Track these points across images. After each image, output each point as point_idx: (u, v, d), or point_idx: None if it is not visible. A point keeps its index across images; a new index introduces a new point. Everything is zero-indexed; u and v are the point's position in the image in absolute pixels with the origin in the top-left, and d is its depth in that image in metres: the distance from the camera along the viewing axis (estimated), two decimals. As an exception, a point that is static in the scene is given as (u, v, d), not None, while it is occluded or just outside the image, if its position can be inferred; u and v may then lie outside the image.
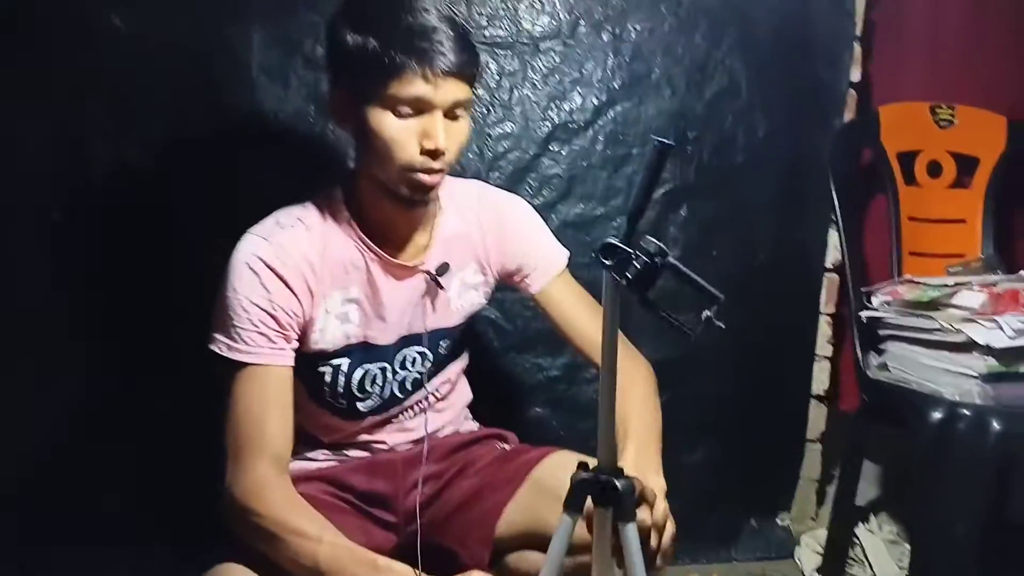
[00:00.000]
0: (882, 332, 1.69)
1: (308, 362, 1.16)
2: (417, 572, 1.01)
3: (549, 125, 1.69)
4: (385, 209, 1.15)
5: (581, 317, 1.27)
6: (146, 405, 1.53)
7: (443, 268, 1.20)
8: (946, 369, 1.51)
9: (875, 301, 1.70)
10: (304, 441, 1.22)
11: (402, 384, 1.24)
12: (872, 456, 1.83)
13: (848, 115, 1.84)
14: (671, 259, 0.76)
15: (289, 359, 1.12)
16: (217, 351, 1.09)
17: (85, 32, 1.48)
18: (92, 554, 1.50)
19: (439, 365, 1.28)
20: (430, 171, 1.08)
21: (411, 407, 1.28)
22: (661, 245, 0.75)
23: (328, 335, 1.16)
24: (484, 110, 1.66)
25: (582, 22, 1.68)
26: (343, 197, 1.17)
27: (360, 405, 1.22)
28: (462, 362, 1.35)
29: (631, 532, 0.86)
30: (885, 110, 1.82)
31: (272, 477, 1.06)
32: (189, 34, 1.51)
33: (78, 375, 1.54)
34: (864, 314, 1.70)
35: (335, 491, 1.22)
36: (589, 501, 0.88)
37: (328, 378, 1.18)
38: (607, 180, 1.73)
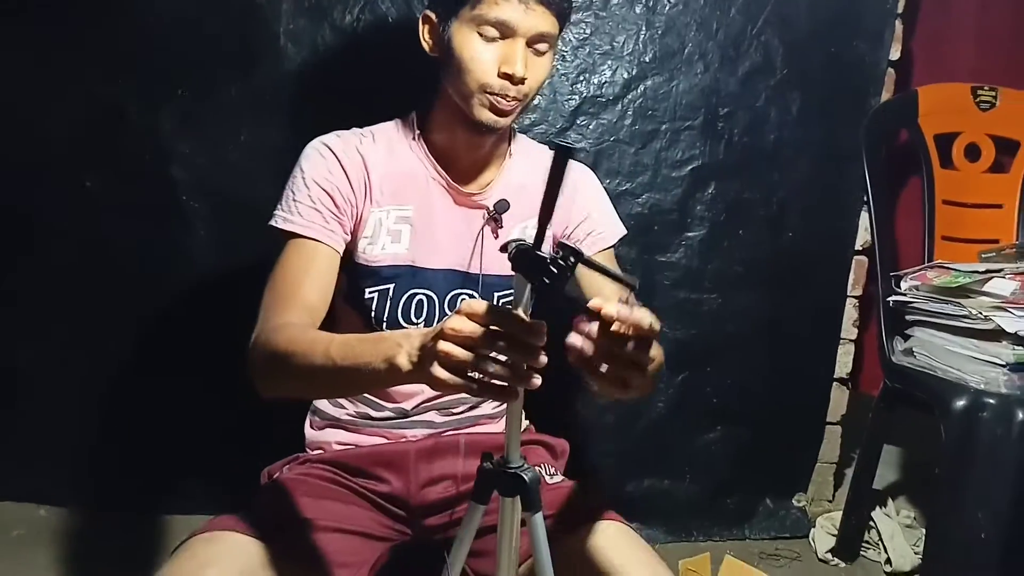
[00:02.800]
0: (909, 317, 1.67)
1: (355, 289, 1.17)
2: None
3: (577, 98, 1.68)
4: (456, 133, 1.17)
5: (611, 296, 1.24)
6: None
7: (502, 205, 1.20)
8: (972, 357, 1.49)
9: (903, 285, 1.67)
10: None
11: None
12: (892, 441, 1.82)
13: (886, 94, 1.80)
14: (585, 256, 0.76)
15: (338, 243, 1.14)
16: (274, 224, 1.13)
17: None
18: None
19: None
20: (505, 96, 1.10)
21: None
22: (573, 246, 0.75)
23: (377, 247, 1.17)
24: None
25: (615, -8, 1.66)
26: (416, 121, 1.21)
27: None
28: None
29: (538, 521, 0.87)
30: (924, 90, 1.77)
31: (304, 319, 1.06)
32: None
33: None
34: (892, 299, 1.68)
35: (347, 477, 1.20)
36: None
37: (375, 304, 1.18)
38: (634, 156, 1.71)
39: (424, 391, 1.21)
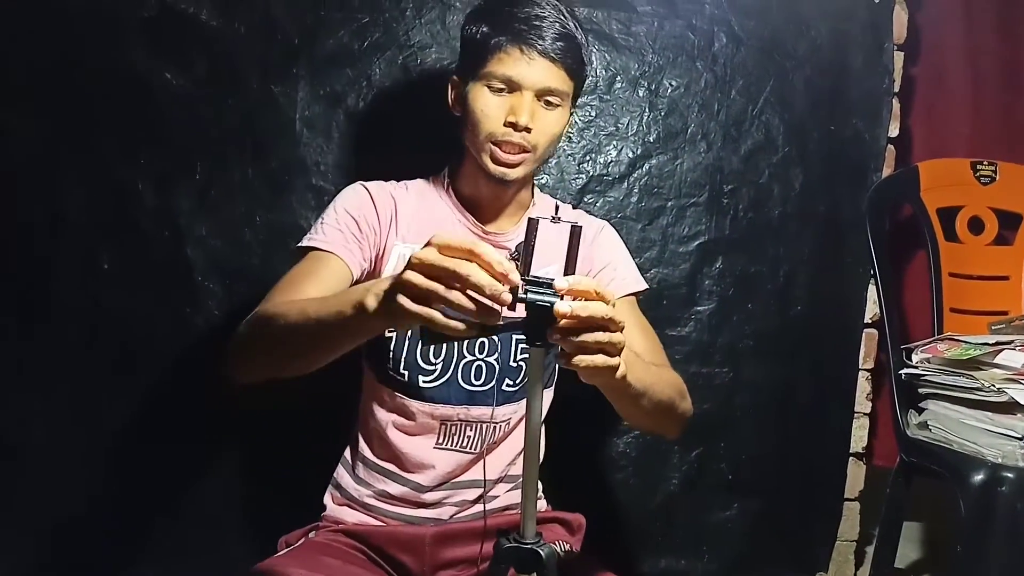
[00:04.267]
0: (922, 390, 1.66)
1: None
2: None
3: (584, 177, 1.72)
4: (478, 184, 1.25)
5: (635, 343, 1.21)
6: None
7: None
8: (988, 430, 1.48)
9: (915, 358, 1.67)
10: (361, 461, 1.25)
11: (467, 371, 1.23)
12: (912, 516, 1.78)
13: (887, 170, 1.83)
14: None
15: (353, 260, 1.18)
16: (299, 244, 1.20)
17: (138, 87, 1.56)
18: None
19: (512, 376, 1.25)
20: (509, 144, 1.16)
21: (473, 423, 1.24)
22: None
23: None
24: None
25: (619, 78, 1.72)
26: (447, 173, 1.31)
27: (422, 379, 1.21)
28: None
29: None
30: (925, 166, 1.81)
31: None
32: (236, 90, 1.59)
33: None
34: (904, 371, 1.68)
35: (366, 549, 1.21)
36: None
37: (394, 343, 1.21)
38: (641, 232, 1.74)
39: (436, 465, 1.22)
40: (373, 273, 1.22)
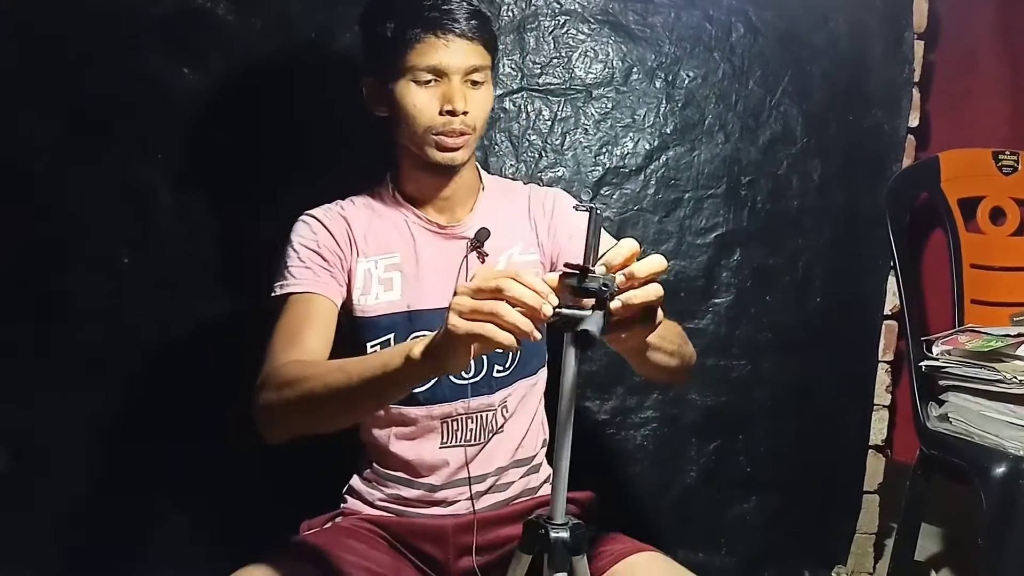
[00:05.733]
0: (942, 382, 1.64)
1: (357, 347, 1.20)
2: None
3: (600, 169, 1.71)
4: (420, 179, 1.25)
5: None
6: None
7: (483, 233, 1.25)
8: (1010, 422, 1.46)
9: (935, 350, 1.65)
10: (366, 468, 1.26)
11: None
12: (932, 509, 1.77)
13: (906, 161, 1.82)
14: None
15: (333, 294, 1.20)
16: (274, 294, 1.19)
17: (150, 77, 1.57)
18: None
19: (502, 362, 1.25)
20: (451, 132, 1.17)
21: (473, 415, 1.24)
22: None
23: (371, 297, 1.22)
24: (536, 155, 1.69)
25: (635, 69, 1.71)
26: (390, 179, 1.30)
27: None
28: (533, 380, 1.31)
29: (582, 567, 0.90)
30: (945, 156, 1.79)
31: (300, 359, 1.09)
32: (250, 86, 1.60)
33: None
34: (924, 364, 1.66)
35: (389, 537, 1.23)
36: None
37: None
38: (658, 224, 1.73)
39: (448, 463, 1.22)
40: (348, 298, 1.22)
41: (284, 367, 1.07)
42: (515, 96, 1.68)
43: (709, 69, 1.74)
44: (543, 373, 1.34)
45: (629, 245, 0.83)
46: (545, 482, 1.32)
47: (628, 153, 1.72)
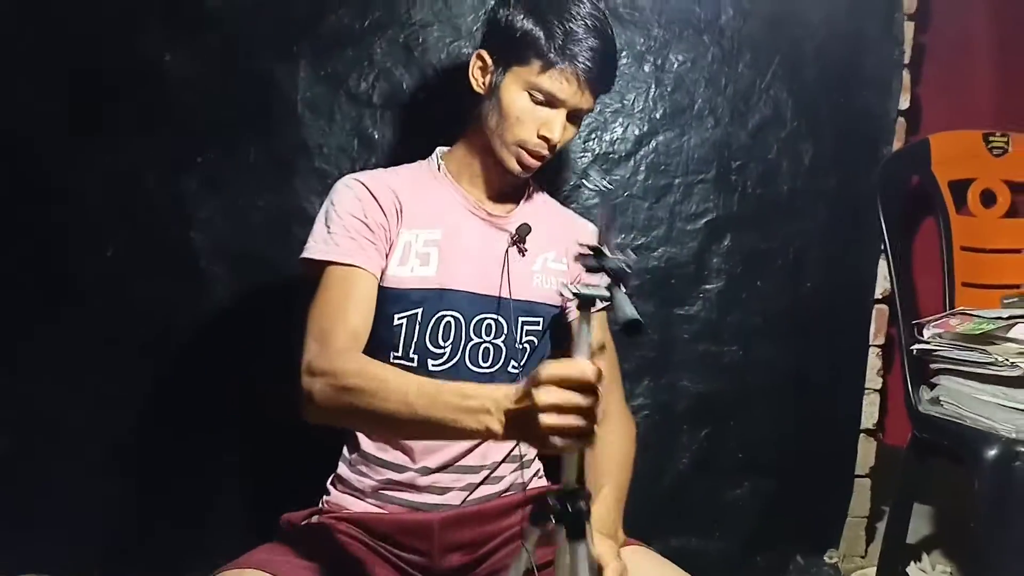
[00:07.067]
0: (934, 365, 1.64)
1: (383, 316, 1.19)
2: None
3: (589, 155, 1.70)
4: (484, 168, 1.28)
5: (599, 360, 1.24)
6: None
7: (525, 229, 1.27)
8: (1001, 405, 1.46)
9: (926, 333, 1.65)
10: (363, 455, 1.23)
11: (474, 354, 1.22)
12: (924, 492, 1.78)
13: (897, 143, 1.81)
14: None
15: (375, 267, 1.19)
16: (311, 256, 1.18)
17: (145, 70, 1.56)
18: None
19: (518, 358, 1.25)
20: (537, 155, 1.22)
21: None
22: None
23: (406, 268, 1.21)
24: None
25: (624, 53, 1.69)
26: (438, 155, 1.32)
27: (432, 363, 1.20)
28: None
29: (580, 549, 0.88)
30: (936, 138, 1.78)
31: (352, 346, 1.10)
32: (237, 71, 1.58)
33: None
34: (915, 347, 1.66)
35: (370, 539, 1.19)
36: None
37: (403, 330, 1.20)
38: (648, 210, 1.72)
39: (444, 448, 1.21)
40: (383, 267, 1.21)
41: (343, 360, 1.05)
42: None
43: (699, 53, 1.72)
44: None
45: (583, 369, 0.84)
46: (535, 476, 1.31)
47: (617, 139, 1.71)
